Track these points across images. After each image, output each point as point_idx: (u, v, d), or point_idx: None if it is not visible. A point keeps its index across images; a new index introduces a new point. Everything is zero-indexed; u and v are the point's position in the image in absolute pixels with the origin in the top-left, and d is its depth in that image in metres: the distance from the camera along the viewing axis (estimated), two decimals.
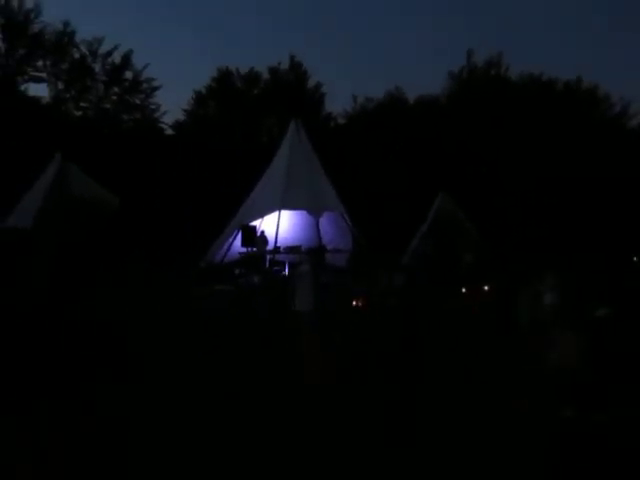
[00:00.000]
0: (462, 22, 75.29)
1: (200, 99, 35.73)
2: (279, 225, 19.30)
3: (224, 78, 35.58)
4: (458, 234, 22.81)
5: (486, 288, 16.69)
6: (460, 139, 31.00)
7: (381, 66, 65.73)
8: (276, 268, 18.56)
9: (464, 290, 16.55)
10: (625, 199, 28.30)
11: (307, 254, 10.43)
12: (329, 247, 19.31)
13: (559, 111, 32.42)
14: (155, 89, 32.90)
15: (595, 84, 36.27)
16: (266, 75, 36.12)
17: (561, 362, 4.50)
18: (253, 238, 19.07)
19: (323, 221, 20.24)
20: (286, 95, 33.83)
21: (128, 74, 32.17)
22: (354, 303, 10.81)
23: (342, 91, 79.45)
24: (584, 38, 73.00)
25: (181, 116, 35.72)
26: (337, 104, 58.68)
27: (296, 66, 36.15)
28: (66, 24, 30.26)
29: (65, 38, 30.22)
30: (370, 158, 30.68)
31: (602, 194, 28.57)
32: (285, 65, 36.13)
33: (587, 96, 35.87)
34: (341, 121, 37.72)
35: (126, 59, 31.69)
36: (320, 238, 20.05)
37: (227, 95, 35.12)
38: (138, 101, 32.87)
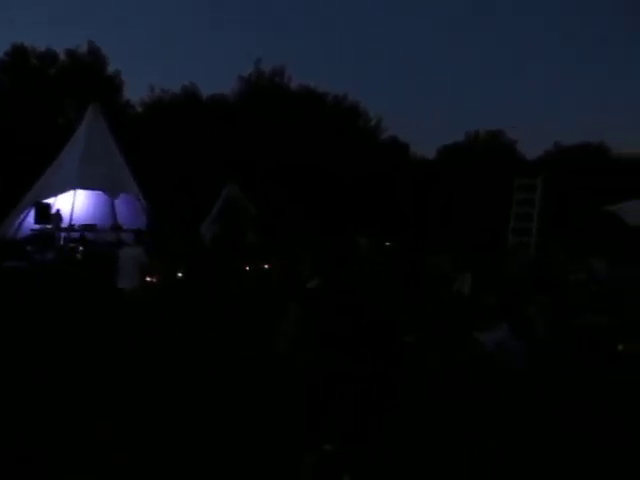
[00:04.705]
0: (254, 35, 76.69)
1: None
2: (74, 204, 17.79)
3: (18, 53, 31.38)
4: (243, 218, 23.09)
5: (266, 266, 17.09)
6: (246, 135, 31.14)
7: (181, 63, 64.11)
8: (71, 245, 17.18)
9: (247, 268, 16.77)
10: (377, 195, 31.02)
11: (135, 238, 10.19)
12: (124, 227, 18.19)
13: (328, 119, 34.28)
14: None
15: (357, 100, 39.20)
16: (63, 57, 32.75)
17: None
18: (48, 215, 17.41)
19: (118, 201, 19.24)
20: (84, 78, 30.89)
21: None
22: (148, 279, 10.56)
23: (141, 82, 74.91)
24: (352, 60, 78.36)
25: None
26: (135, 93, 55.13)
27: (95, 51, 33.19)
28: None
29: None
30: (165, 145, 29.45)
31: (358, 191, 30.92)
32: (83, 49, 33.07)
33: (351, 109, 38.57)
34: (139, 109, 35.80)
35: None
36: (115, 217, 18.90)
37: (21, 70, 31.02)
38: None
